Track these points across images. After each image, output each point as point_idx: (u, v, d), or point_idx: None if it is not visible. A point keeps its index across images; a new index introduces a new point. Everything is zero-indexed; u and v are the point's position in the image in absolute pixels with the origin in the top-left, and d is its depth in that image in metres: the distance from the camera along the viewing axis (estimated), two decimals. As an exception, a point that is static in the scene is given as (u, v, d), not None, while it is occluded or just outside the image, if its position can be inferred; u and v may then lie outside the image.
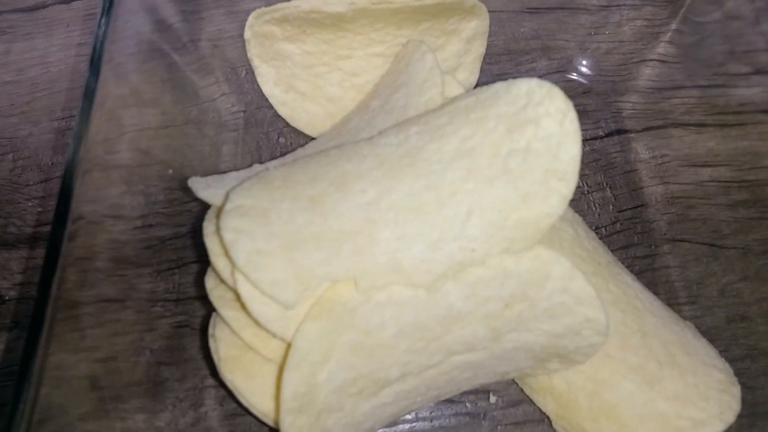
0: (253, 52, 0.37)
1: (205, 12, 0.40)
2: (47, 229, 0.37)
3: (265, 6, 0.37)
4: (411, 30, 0.35)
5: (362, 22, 0.34)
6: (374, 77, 0.37)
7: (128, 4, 0.34)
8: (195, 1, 0.39)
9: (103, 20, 0.31)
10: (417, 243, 0.25)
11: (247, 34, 0.37)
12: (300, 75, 0.37)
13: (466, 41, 0.37)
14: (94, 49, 0.31)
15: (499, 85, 0.27)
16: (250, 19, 0.36)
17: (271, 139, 0.40)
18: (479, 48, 0.38)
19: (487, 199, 0.25)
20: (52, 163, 0.39)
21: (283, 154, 0.39)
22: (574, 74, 0.41)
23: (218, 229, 0.25)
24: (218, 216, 0.26)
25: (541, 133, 0.25)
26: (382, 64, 0.36)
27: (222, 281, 0.27)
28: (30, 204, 0.38)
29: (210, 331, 0.28)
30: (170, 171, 0.34)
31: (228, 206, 0.25)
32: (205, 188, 0.28)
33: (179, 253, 0.35)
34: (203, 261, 0.35)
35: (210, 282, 0.28)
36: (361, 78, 0.37)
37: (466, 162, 0.26)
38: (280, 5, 0.34)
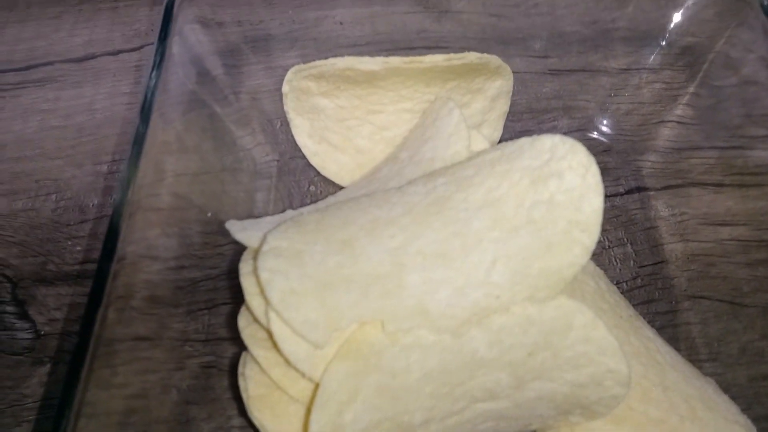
0: (290, 105, 0.39)
1: (245, 67, 0.42)
2: (86, 267, 0.39)
3: (301, 62, 0.39)
4: (439, 88, 0.37)
5: (393, 80, 0.36)
6: (403, 131, 0.38)
7: (176, 57, 0.36)
8: (236, 57, 0.41)
9: (154, 73, 0.33)
10: (443, 288, 0.26)
11: (285, 88, 0.39)
12: (332, 127, 0.39)
13: (490, 99, 0.39)
14: (145, 98, 0.33)
15: (523, 140, 0.28)
16: (289, 74, 0.38)
17: (302, 187, 0.41)
18: (503, 106, 0.40)
19: (512, 248, 0.26)
20: (92, 205, 0.41)
21: (313, 202, 0.41)
22: (595, 133, 0.43)
23: (254, 269, 0.27)
24: (254, 257, 0.27)
25: (564, 186, 0.26)
26: (411, 119, 0.38)
27: (254, 320, 0.28)
28: (69, 243, 0.40)
29: (240, 369, 0.29)
30: (209, 215, 0.36)
31: (265, 247, 0.27)
32: (241, 230, 0.30)
33: (210, 294, 0.36)
34: (233, 302, 0.36)
35: (242, 321, 0.29)
36: (390, 131, 0.39)
37: (492, 212, 0.27)
38: (317, 62, 0.36)
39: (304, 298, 0.25)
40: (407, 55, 0.44)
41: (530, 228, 0.26)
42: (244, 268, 0.28)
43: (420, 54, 0.44)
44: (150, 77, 0.34)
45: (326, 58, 0.43)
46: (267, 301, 0.25)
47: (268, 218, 0.32)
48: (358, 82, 0.37)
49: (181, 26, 0.37)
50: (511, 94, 0.40)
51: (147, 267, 0.33)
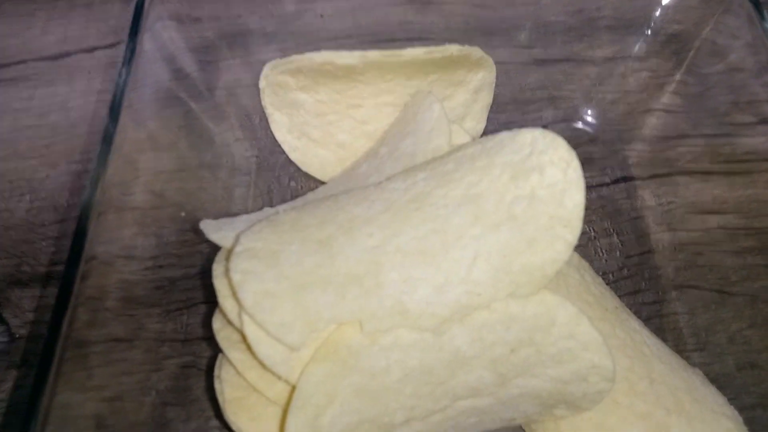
0: (268, 100, 0.38)
1: (222, 62, 0.41)
2: (61, 268, 0.38)
3: (280, 57, 0.39)
4: (420, 81, 0.36)
5: (373, 74, 0.35)
6: (384, 125, 0.38)
7: (149, 54, 0.36)
8: (212, 51, 0.40)
9: (124, 69, 0.32)
10: (423, 286, 0.25)
11: (262, 83, 0.38)
12: (312, 122, 0.38)
13: (473, 92, 0.38)
14: (115, 96, 0.32)
15: (504, 134, 0.27)
16: (266, 69, 0.37)
17: (282, 183, 0.41)
18: (486, 98, 0.39)
19: (493, 244, 0.26)
20: (67, 205, 0.40)
21: (293, 198, 0.40)
22: (580, 123, 0.42)
23: (227, 271, 0.26)
24: (228, 258, 0.27)
25: (545, 181, 0.25)
26: (392, 113, 0.37)
27: (229, 322, 0.27)
28: (44, 244, 0.39)
29: (216, 372, 0.28)
30: (183, 214, 0.35)
31: (238, 248, 0.26)
32: (216, 231, 0.29)
33: (188, 293, 0.35)
34: (211, 302, 0.35)
35: (217, 323, 0.28)
36: (370, 126, 0.38)
37: (472, 207, 0.26)
38: (294, 57, 0.36)
39: (279, 300, 0.25)
40: (390, 47, 0.43)
41: (511, 224, 0.26)
42: (218, 269, 0.27)
43: (402, 46, 0.43)
44: (120, 74, 0.33)
45: (306, 52, 0.42)
46: (240, 304, 0.25)
47: (245, 217, 0.31)
48: (336, 77, 0.36)
49: (153, 22, 0.36)
50: (494, 85, 0.39)
51: (122, 267, 0.32)
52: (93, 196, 0.28)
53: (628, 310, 0.32)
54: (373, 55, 0.34)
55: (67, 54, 0.48)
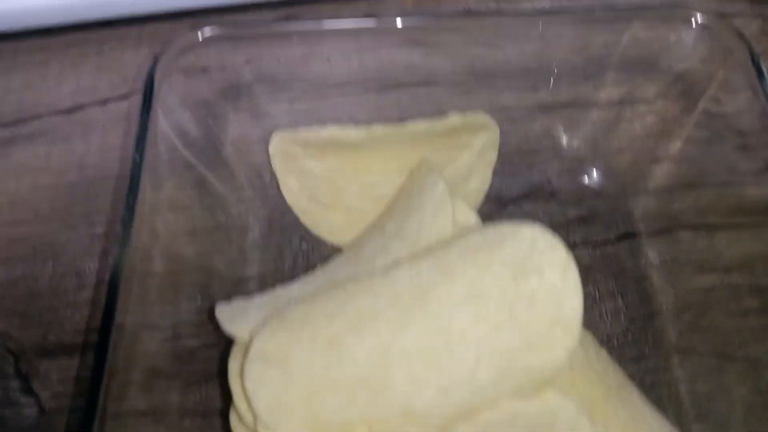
0: (277, 166, 0.39)
1: (230, 116, 0.42)
2: (87, 338, 0.39)
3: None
4: (424, 146, 0.37)
5: (378, 144, 0.36)
6: (391, 189, 0.38)
7: (158, 114, 0.36)
8: (218, 107, 0.41)
9: (138, 145, 0.33)
10: (428, 388, 0.27)
11: (272, 150, 0.39)
12: (321, 187, 0.39)
13: (477, 153, 0.39)
14: (132, 176, 0.33)
15: (505, 228, 0.28)
16: (274, 139, 0.38)
17: (293, 245, 0.41)
18: (491, 157, 0.40)
19: (495, 345, 0.27)
20: (88, 271, 0.41)
21: (304, 259, 0.41)
22: (586, 177, 0.42)
23: (241, 373, 0.27)
24: (243, 356, 0.28)
25: (545, 283, 0.26)
26: (398, 178, 0.38)
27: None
28: (69, 312, 0.40)
29: (236, 463, 0.30)
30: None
31: (251, 353, 0.27)
32: (230, 321, 0.30)
33: (205, 364, 0.37)
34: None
35: (233, 419, 0.29)
36: (378, 190, 0.39)
37: (475, 306, 0.27)
38: (301, 132, 0.37)
39: (291, 408, 0.26)
40: (396, 94, 0.44)
41: (512, 325, 0.27)
42: (233, 367, 0.29)
43: (409, 93, 0.44)
44: (136, 148, 0.34)
45: (314, 101, 0.43)
46: (254, 413, 0.26)
47: (257, 300, 0.32)
48: (344, 147, 0.37)
49: (162, 81, 0.36)
50: (498, 143, 0.40)
51: (144, 337, 0.33)
52: (120, 266, 0.29)
53: (631, 384, 0.33)
54: (378, 130, 0.35)
55: (81, 107, 0.49)
